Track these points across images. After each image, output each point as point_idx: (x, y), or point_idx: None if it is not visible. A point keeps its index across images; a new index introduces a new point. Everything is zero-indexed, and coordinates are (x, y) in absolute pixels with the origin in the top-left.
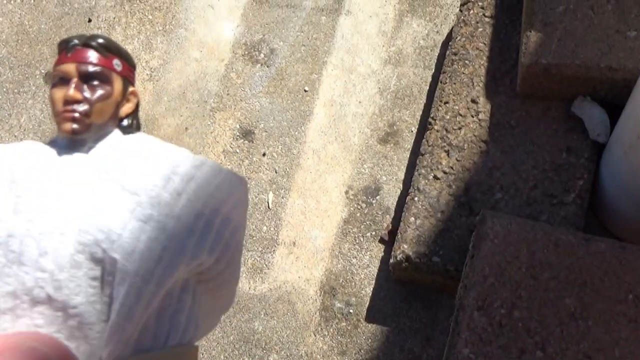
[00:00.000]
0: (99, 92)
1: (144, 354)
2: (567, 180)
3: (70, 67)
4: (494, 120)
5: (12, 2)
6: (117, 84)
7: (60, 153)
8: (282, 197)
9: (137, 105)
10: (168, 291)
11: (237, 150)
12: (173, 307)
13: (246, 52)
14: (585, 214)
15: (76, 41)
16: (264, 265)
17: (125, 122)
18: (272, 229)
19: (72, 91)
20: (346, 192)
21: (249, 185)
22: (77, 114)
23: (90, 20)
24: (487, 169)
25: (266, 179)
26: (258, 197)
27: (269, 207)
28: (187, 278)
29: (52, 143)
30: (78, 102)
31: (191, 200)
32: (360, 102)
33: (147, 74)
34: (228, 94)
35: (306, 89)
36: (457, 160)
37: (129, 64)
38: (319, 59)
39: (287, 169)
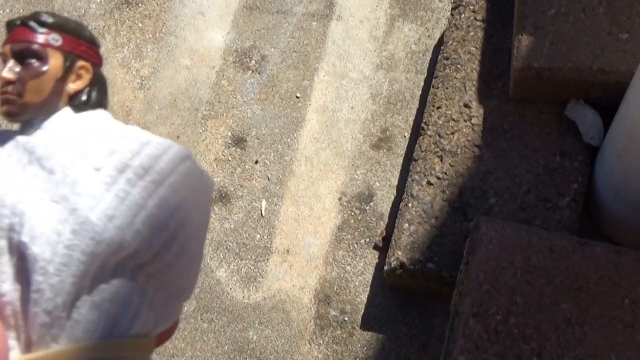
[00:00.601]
0: (32, 69)
1: (72, 343)
2: (561, 184)
3: (6, 48)
4: (487, 125)
5: (8, 10)
6: (55, 59)
7: (9, 137)
8: (275, 205)
9: (94, 81)
10: (95, 279)
11: (230, 158)
12: (106, 297)
13: (237, 59)
14: (580, 218)
15: (17, 21)
16: (258, 274)
17: (77, 100)
18: (265, 237)
19: (4, 72)
20: (339, 199)
21: (241, 193)
22: (10, 96)
23: None
24: (480, 174)
25: (259, 186)
26: (251, 205)
27: (262, 215)
28: (119, 264)
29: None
30: (11, 82)
31: (112, 176)
32: (352, 107)
33: (137, 83)
34: (219, 102)
35: (298, 95)
36: (451, 166)
37: (77, 37)
38: (310, 65)
39: (280, 177)
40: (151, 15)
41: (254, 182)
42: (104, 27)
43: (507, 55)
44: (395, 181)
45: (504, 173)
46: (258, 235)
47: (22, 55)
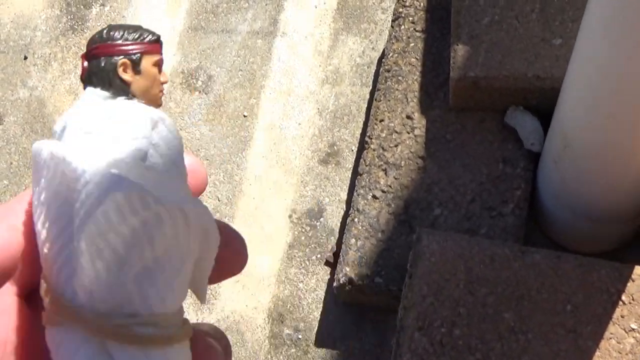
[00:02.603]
0: None
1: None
2: (505, 191)
3: (159, 59)
4: (429, 136)
5: None
6: None
7: None
8: None
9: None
10: None
11: None
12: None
13: (184, 80)
14: (525, 224)
15: (155, 37)
16: (211, 296)
17: None
18: None
19: (167, 76)
20: (290, 216)
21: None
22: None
23: (26, 58)
24: (425, 186)
25: (210, 207)
26: None
27: None
28: None
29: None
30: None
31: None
32: (299, 124)
33: None
34: None
35: (245, 114)
36: (395, 179)
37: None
38: (256, 83)
39: (230, 197)
40: None
41: (205, 203)
42: (50, 54)
43: (447, 65)
44: (344, 196)
45: (448, 183)
46: None
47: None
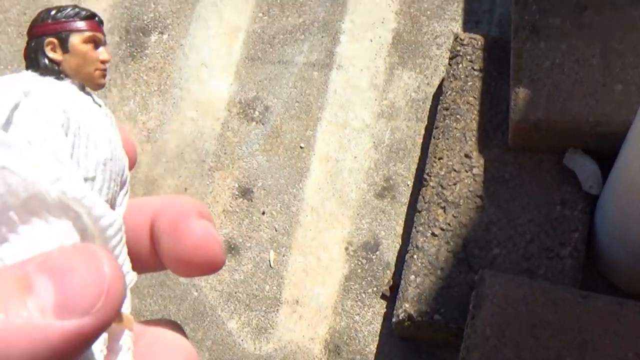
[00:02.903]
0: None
1: None
2: (563, 233)
3: (100, 35)
4: (488, 175)
5: (9, 67)
6: None
7: (86, 98)
8: (284, 256)
9: None
10: None
11: (237, 210)
12: None
13: (241, 110)
14: (582, 267)
15: (95, 16)
16: (268, 325)
17: None
18: (274, 287)
19: (106, 54)
20: (346, 249)
21: (249, 244)
22: (105, 72)
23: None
24: (483, 225)
25: (267, 237)
26: (259, 256)
27: (270, 266)
28: None
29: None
30: (107, 62)
31: None
32: (355, 157)
33: (144, 136)
34: (225, 153)
35: (302, 145)
36: (454, 217)
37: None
38: (313, 114)
39: (287, 227)
40: (155, 67)
41: (262, 233)
42: (110, 80)
43: (506, 104)
44: (400, 230)
45: (507, 223)
46: (267, 286)
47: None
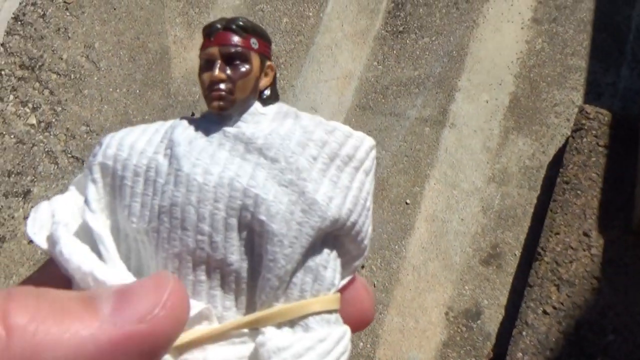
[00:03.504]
0: (241, 70)
1: (291, 302)
2: None
3: (214, 50)
4: (606, 256)
5: (117, 90)
6: (255, 60)
7: (210, 128)
8: (380, 313)
9: (275, 78)
10: (310, 247)
11: None
12: (315, 261)
13: None
14: None
15: (218, 25)
16: None
17: (264, 94)
18: (368, 345)
19: (217, 72)
20: (446, 314)
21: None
22: (222, 92)
23: (193, 115)
24: (599, 308)
25: None
26: None
27: None
28: (327, 234)
29: (203, 119)
30: (222, 81)
31: (326, 164)
32: (462, 219)
33: None
34: None
35: (408, 201)
36: (568, 296)
37: (264, 40)
38: (421, 171)
39: (386, 284)
40: None
41: None
42: None
43: (630, 185)
44: (504, 300)
45: (624, 309)
46: (361, 344)
47: (230, 57)
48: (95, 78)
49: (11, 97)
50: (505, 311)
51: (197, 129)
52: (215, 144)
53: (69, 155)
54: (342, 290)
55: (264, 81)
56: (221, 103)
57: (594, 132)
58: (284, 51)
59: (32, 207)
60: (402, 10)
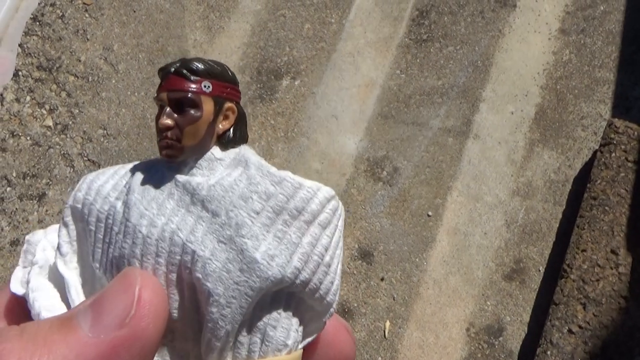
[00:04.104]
0: (188, 116)
1: None
2: None
3: (163, 96)
4: (635, 275)
5: (135, 94)
6: (207, 105)
7: (165, 175)
8: (400, 327)
9: (238, 119)
10: (258, 305)
11: (355, 272)
12: (264, 320)
13: (369, 168)
14: None
15: (170, 69)
16: None
17: (224, 138)
18: None
19: (163, 119)
20: (467, 329)
21: (364, 310)
22: (170, 141)
23: None
24: (626, 328)
25: (383, 305)
26: (374, 325)
27: (384, 337)
28: (277, 292)
29: (162, 164)
30: (169, 128)
31: (270, 218)
32: (485, 233)
33: None
34: (348, 211)
35: (429, 213)
36: (594, 315)
37: (222, 81)
38: (444, 183)
39: (406, 297)
40: (284, 113)
41: (379, 300)
42: None
43: None
44: (527, 317)
45: None
46: (380, 358)
47: (179, 103)
48: (114, 81)
49: (28, 98)
50: (528, 328)
51: (154, 174)
52: (165, 192)
53: (85, 159)
54: (317, 338)
55: (224, 124)
56: (168, 151)
57: (622, 146)
58: (305, 58)
59: (47, 210)
60: (427, 18)
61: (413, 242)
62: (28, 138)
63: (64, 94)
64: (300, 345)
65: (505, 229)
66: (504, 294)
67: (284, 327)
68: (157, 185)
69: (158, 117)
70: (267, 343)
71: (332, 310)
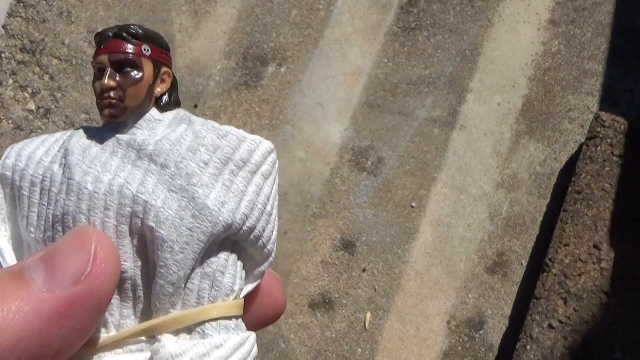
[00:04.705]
0: (131, 77)
1: (188, 309)
2: None
3: (103, 58)
4: (617, 271)
5: None
6: (148, 67)
7: (105, 136)
8: (380, 319)
9: (173, 84)
10: (207, 252)
11: (337, 263)
12: (212, 267)
13: (353, 158)
14: None
15: (109, 33)
16: None
17: (162, 101)
18: (367, 352)
19: (106, 80)
20: (448, 322)
21: (345, 302)
22: (113, 100)
23: (196, 106)
24: (607, 324)
25: (365, 296)
26: (355, 316)
27: (365, 328)
28: (225, 240)
29: (101, 128)
30: (112, 89)
31: (218, 168)
32: (469, 225)
33: None
34: (331, 201)
35: (413, 204)
36: (575, 311)
37: (159, 47)
38: (428, 174)
39: (388, 289)
40: (269, 100)
41: (360, 291)
42: (220, 106)
43: None
44: (508, 311)
45: (632, 327)
46: (360, 350)
47: (120, 65)
48: None
49: (10, 81)
50: (509, 322)
51: (92, 137)
52: (108, 151)
53: None
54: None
55: (161, 88)
56: (111, 111)
57: (609, 140)
58: (292, 44)
59: None
60: (416, 6)
61: (396, 233)
62: (10, 122)
63: (47, 77)
64: (243, 293)
65: (489, 222)
66: (486, 287)
67: (231, 273)
68: (98, 145)
69: (96, 80)
70: (216, 288)
71: (271, 259)
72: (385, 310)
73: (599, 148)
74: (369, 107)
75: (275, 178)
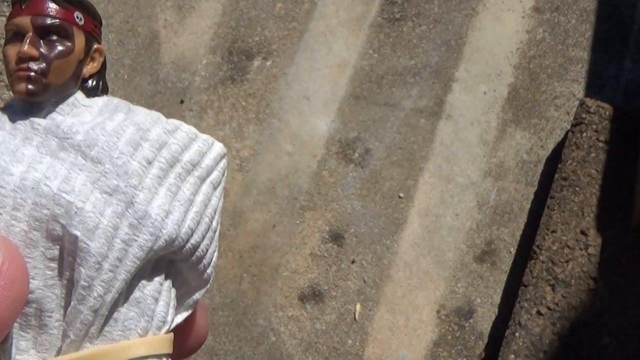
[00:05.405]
0: (58, 48)
1: (109, 343)
2: None
3: (24, 20)
4: (604, 256)
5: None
6: (79, 39)
7: (15, 118)
8: (370, 310)
9: (104, 65)
10: (138, 273)
11: (326, 255)
12: (144, 291)
13: (340, 150)
14: None
15: None
16: None
17: (89, 83)
18: (357, 343)
19: (26, 47)
20: (437, 312)
21: (335, 293)
22: (32, 73)
23: (182, 102)
24: (595, 310)
25: (354, 288)
26: (344, 307)
27: (355, 319)
28: (159, 259)
29: (9, 107)
30: (34, 59)
31: (164, 169)
32: (457, 214)
33: (237, 164)
34: (319, 193)
35: (401, 195)
36: (563, 297)
37: (93, 18)
38: (415, 164)
39: (377, 280)
40: (255, 94)
41: (349, 282)
42: (206, 101)
43: (630, 183)
44: (497, 299)
45: (620, 312)
46: (350, 341)
47: (45, 31)
48: None
49: None
50: (498, 310)
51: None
52: (19, 137)
53: None
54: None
55: (90, 67)
56: (30, 86)
57: (594, 126)
58: (277, 38)
59: None
60: None
61: (384, 224)
62: None
63: None
64: (173, 325)
65: (477, 211)
66: (474, 275)
67: (165, 301)
68: (3, 129)
69: (10, 45)
70: (146, 318)
71: (208, 286)
72: (375, 301)
73: (584, 134)
74: (354, 99)
75: (223, 188)
